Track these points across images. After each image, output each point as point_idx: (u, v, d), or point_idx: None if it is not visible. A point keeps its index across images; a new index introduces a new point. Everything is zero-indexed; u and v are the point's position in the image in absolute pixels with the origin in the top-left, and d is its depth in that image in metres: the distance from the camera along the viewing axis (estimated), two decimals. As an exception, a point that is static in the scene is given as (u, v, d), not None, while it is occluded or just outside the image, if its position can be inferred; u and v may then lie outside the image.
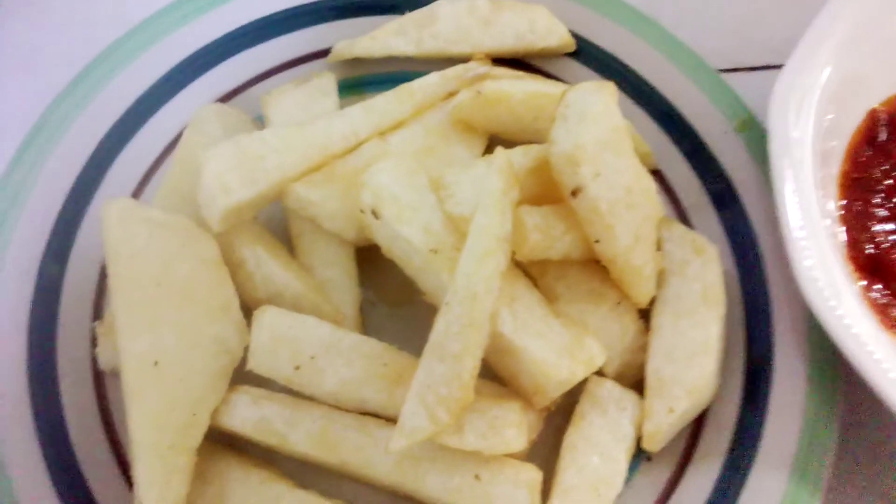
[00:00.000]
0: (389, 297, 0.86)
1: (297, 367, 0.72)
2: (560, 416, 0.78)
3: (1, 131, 0.88)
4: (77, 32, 0.99)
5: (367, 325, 0.83)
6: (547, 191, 0.76)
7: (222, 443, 0.76)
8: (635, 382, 0.79)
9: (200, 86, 0.91)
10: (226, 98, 0.92)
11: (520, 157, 0.76)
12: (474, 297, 0.68)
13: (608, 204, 0.72)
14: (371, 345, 0.74)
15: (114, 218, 0.74)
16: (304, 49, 0.94)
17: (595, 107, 0.72)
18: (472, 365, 0.68)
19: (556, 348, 0.72)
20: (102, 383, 0.80)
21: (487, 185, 0.71)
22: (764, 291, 0.81)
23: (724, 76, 0.90)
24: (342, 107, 0.88)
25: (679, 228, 0.81)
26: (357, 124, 0.83)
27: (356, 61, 0.93)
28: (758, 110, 0.87)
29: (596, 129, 0.71)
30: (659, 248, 0.80)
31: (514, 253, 0.74)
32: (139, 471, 0.69)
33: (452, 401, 0.67)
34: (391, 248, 0.76)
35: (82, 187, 0.85)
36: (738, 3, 1.05)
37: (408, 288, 0.79)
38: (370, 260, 0.83)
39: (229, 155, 0.76)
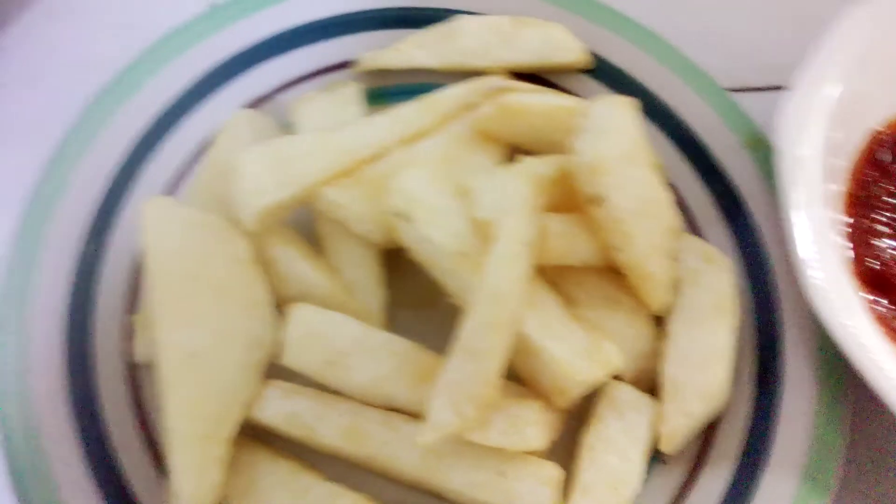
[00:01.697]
0: (409, 300, 0.88)
1: (330, 363, 0.75)
2: (574, 419, 0.81)
3: (38, 132, 0.90)
4: (112, 37, 1.01)
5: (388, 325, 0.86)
6: (568, 200, 0.79)
7: (252, 436, 0.77)
8: (649, 388, 0.82)
9: (229, 92, 0.93)
10: (253, 104, 0.94)
11: (543, 167, 0.79)
12: (501, 298, 0.71)
13: (627, 214, 0.75)
14: (399, 343, 0.77)
15: (153, 216, 0.77)
16: (331, 59, 0.96)
17: (617, 120, 0.75)
18: (497, 363, 0.71)
19: (577, 351, 0.75)
20: (136, 374, 0.82)
21: (515, 191, 0.74)
22: (774, 302, 0.84)
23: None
24: (365, 115, 0.91)
25: (692, 240, 0.85)
26: (384, 132, 0.86)
27: (380, 72, 0.96)
28: (763, 129, 0.91)
29: (617, 141, 0.74)
30: (674, 258, 0.83)
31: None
32: (176, 459, 0.71)
33: (479, 397, 0.70)
34: (418, 250, 0.78)
35: (116, 187, 0.87)
36: (743, 25, 1.08)
37: (427, 291, 0.81)
38: (391, 264, 0.85)
39: (265, 157, 0.79)
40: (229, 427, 0.73)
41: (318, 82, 0.95)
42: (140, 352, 0.80)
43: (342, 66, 0.96)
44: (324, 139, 0.83)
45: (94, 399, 0.79)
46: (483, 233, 0.77)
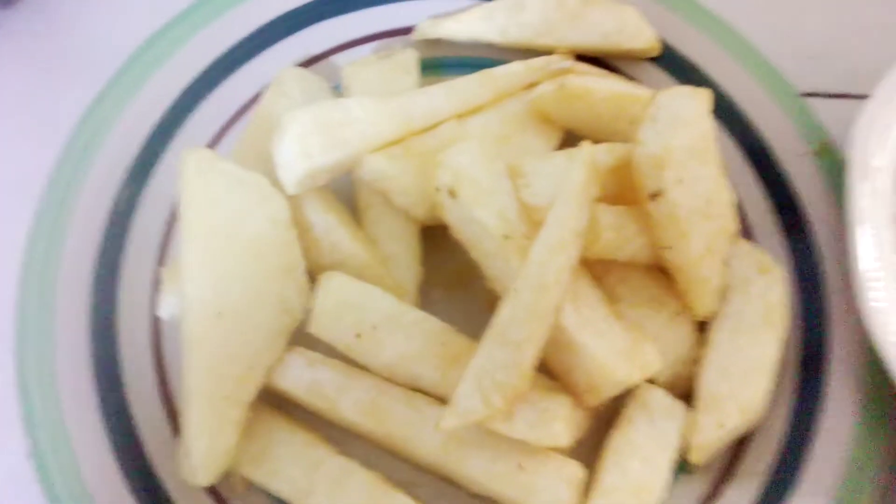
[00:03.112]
0: (442, 280, 0.86)
1: (359, 335, 0.73)
2: (601, 420, 0.78)
3: (84, 74, 0.89)
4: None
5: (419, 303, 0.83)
6: (623, 191, 0.76)
7: (270, 403, 0.76)
8: (682, 394, 0.78)
9: (283, 49, 0.91)
10: (306, 64, 0.92)
11: (602, 155, 0.76)
12: (544, 286, 0.68)
13: (686, 211, 0.72)
14: (431, 323, 0.74)
15: (192, 167, 0.75)
16: (389, 24, 0.93)
17: (687, 112, 0.71)
18: (532, 354, 0.68)
19: (616, 349, 0.72)
20: (158, 329, 0.81)
21: (570, 177, 0.71)
22: (823, 317, 0.81)
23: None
24: (420, 85, 0.88)
25: (746, 246, 0.81)
26: (438, 104, 0.83)
27: (438, 42, 0.93)
28: (834, 138, 0.86)
29: (685, 134, 0.70)
30: (725, 263, 0.79)
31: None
32: (191, 418, 0.70)
33: (508, 387, 0.67)
34: (462, 229, 0.75)
35: (159, 136, 0.86)
36: (824, 28, 1.04)
37: (461, 272, 0.79)
38: (427, 240, 0.83)
39: (312, 119, 0.76)
40: (249, 391, 0.72)
41: (374, 47, 0.93)
42: (164, 306, 0.79)
43: (400, 32, 0.93)
44: (376, 105, 0.80)
45: (114, 350, 0.79)
46: (531, 217, 0.74)
